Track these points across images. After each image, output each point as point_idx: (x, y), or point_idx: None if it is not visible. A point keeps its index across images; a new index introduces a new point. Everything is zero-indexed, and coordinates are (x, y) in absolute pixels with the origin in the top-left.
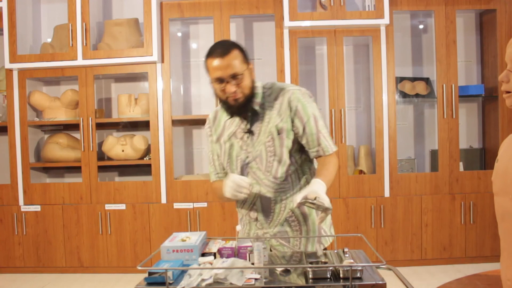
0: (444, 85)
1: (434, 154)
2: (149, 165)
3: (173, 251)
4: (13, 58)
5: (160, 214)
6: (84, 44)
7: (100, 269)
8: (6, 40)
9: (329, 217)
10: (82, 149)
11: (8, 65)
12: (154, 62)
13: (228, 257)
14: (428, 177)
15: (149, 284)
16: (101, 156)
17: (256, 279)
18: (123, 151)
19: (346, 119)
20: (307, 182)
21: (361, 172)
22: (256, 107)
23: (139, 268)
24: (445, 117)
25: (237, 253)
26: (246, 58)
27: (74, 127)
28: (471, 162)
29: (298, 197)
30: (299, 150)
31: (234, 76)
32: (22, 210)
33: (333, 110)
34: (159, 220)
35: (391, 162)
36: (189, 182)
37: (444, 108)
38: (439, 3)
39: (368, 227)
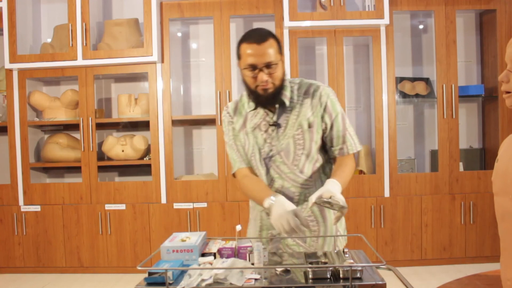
0: (444, 85)
1: (434, 154)
2: (149, 165)
3: (173, 251)
4: (13, 58)
5: (160, 214)
6: (84, 44)
7: (100, 269)
8: (6, 40)
9: (343, 219)
10: (82, 149)
11: (8, 65)
12: (154, 62)
13: (228, 257)
14: (428, 177)
15: (149, 284)
16: (101, 156)
17: (256, 279)
18: (123, 151)
19: None
20: None
21: (361, 172)
22: (285, 100)
23: (139, 268)
24: (445, 117)
25: (237, 253)
26: (280, 49)
27: (74, 127)
28: (471, 162)
29: (313, 197)
30: (323, 149)
31: (268, 65)
32: (22, 210)
33: None
34: (159, 220)
35: (391, 162)
36: (189, 182)
37: (444, 108)
38: (439, 3)
39: (368, 227)
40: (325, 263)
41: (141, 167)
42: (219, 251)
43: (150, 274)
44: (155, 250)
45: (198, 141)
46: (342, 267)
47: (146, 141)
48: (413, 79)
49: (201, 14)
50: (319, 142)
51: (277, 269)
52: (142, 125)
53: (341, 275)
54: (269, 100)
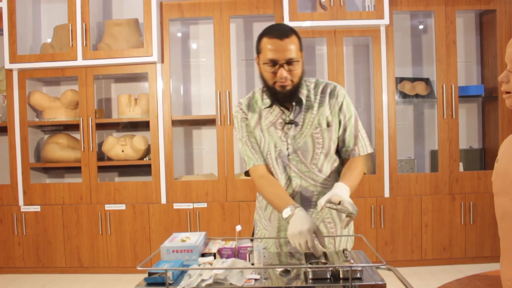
0: (444, 85)
1: (434, 154)
2: (149, 166)
3: (173, 251)
4: (13, 58)
5: (160, 214)
6: (84, 44)
7: (100, 269)
8: (6, 40)
9: (351, 223)
10: (82, 149)
11: (8, 65)
12: (154, 62)
13: (228, 257)
14: (428, 177)
15: (149, 284)
16: (101, 156)
17: (256, 279)
18: (123, 151)
19: None
20: None
21: None
22: (302, 98)
23: (139, 268)
24: (445, 117)
25: (237, 253)
26: (301, 46)
27: (74, 127)
28: (471, 162)
29: (322, 200)
30: (336, 149)
31: (289, 61)
32: (22, 210)
33: None
34: (159, 220)
35: (391, 163)
36: (189, 183)
37: (444, 109)
38: (439, 4)
39: (368, 228)
40: (325, 263)
41: (141, 167)
42: (219, 251)
43: (150, 274)
44: (155, 250)
45: (198, 141)
46: (342, 267)
47: (146, 141)
48: (413, 79)
49: (201, 14)
50: (336, 141)
51: (277, 269)
52: (142, 125)
53: (341, 276)
54: (286, 97)
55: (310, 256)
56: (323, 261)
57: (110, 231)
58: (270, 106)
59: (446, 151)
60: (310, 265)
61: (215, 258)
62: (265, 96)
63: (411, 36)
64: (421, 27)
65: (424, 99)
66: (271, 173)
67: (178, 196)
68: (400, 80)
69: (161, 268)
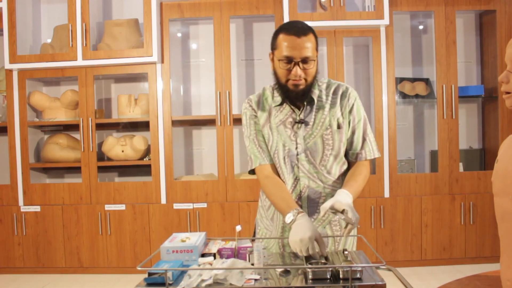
0: (444, 85)
1: (434, 154)
2: (149, 166)
3: (173, 251)
4: (13, 59)
5: (160, 214)
6: (84, 45)
7: (100, 270)
8: (6, 40)
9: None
10: (82, 150)
11: (8, 66)
12: (154, 63)
13: (228, 257)
14: (428, 177)
15: (149, 284)
16: (101, 156)
17: (255, 279)
18: (123, 151)
19: None
20: None
21: None
22: (314, 97)
23: (139, 268)
24: (445, 117)
25: (236, 253)
26: (317, 46)
27: (74, 127)
28: (471, 162)
29: (326, 205)
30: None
31: (304, 60)
32: (22, 210)
33: None
34: (159, 220)
35: (391, 163)
36: (189, 183)
37: (444, 109)
38: (439, 4)
39: (368, 228)
40: (325, 263)
41: (141, 168)
42: (219, 251)
43: (150, 274)
44: (155, 251)
45: (198, 141)
46: (342, 268)
47: (146, 142)
48: (413, 80)
49: (201, 15)
50: (346, 143)
51: (277, 269)
52: (142, 126)
53: (341, 276)
54: (298, 96)
55: (310, 256)
56: (323, 261)
57: (110, 231)
58: (281, 104)
59: (446, 151)
60: (310, 265)
61: (215, 258)
62: (275, 94)
63: (411, 36)
64: (421, 27)
65: (424, 99)
66: (277, 173)
67: (178, 196)
68: (400, 80)
69: (161, 268)
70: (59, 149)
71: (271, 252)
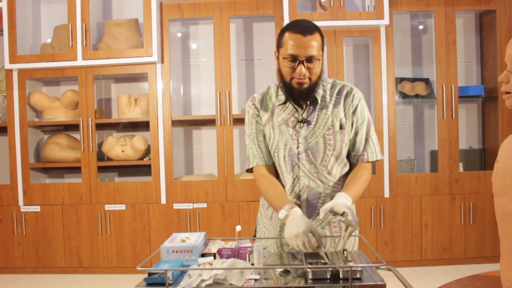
0: (444, 85)
1: (434, 154)
2: (149, 166)
3: (173, 251)
4: (13, 59)
5: (160, 214)
6: (84, 45)
7: (100, 270)
8: (6, 40)
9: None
10: (82, 150)
11: (8, 66)
12: (154, 63)
13: (227, 257)
14: (428, 177)
15: (148, 284)
16: (101, 156)
17: (255, 279)
18: (123, 151)
19: None
20: None
21: None
22: (318, 97)
23: (139, 268)
24: (445, 117)
25: (236, 253)
26: (323, 45)
27: (74, 127)
28: (471, 162)
29: (327, 206)
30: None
31: (309, 59)
32: (21, 210)
33: None
34: (159, 220)
35: (391, 163)
36: (189, 183)
37: (444, 109)
38: (439, 4)
39: (368, 228)
40: (325, 263)
41: (141, 168)
42: (219, 251)
43: (150, 274)
44: (155, 251)
45: (198, 141)
46: (342, 268)
47: (146, 142)
48: (413, 80)
49: (201, 15)
50: (348, 144)
51: (277, 269)
52: (142, 126)
53: (341, 276)
54: (302, 95)
55: (310, 256)
56: (323, 261)
57: (110, 231)
58: (284, 103)
59: (446, 151)
60: (310, 265)
61: (215, 258)
62: (280, 92)
63: (411, 36)
64: (421, 27)
65: (424, 100)
66: (274, 174)
67: (178, 196)
68: (400, 80)
69: (161, 268)
70: (59, 149)
71: (269, 251)
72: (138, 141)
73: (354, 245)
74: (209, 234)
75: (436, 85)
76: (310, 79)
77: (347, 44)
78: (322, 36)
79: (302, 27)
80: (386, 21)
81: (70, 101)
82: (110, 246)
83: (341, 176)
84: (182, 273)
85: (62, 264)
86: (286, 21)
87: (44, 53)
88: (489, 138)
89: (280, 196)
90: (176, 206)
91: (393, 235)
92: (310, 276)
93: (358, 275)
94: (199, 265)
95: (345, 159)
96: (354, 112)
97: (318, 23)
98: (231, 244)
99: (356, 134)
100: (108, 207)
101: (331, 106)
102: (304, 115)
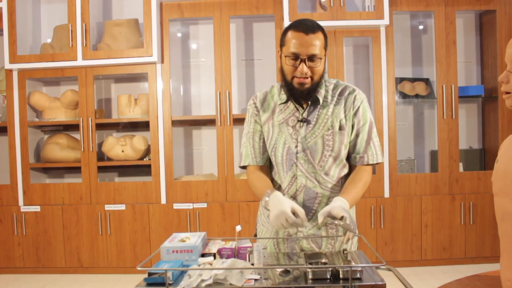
0: (444, 85)
1: (434, 154)
2: (149, 166)
3: (173, 251)
4: (13, 59)
5: (160, 214)
6: (84, 45)
7: (100, 270)
8: (6, 40)
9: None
10: (82, 150)
11: (8, 66)
12: (154, 63)
13: (227, 257)
14: (428, 177)
15: (148, 284)
16: (101, 156)
17: (255, 279)
18: (123, 151)
19: None
20: None
21: None
22: (319, 97)
23: (139, 268)
24: (445, 117)
25: (236, 253)
26: (326, 45)
27: (74, 127)
28: (471, 162)
29: (324, 211)
30: (347, 156)
31: (311, 58)
32: (21, 210)
33: None
34: (159, 220)
35: (391, 163)
36: (189, 183)
37: (444, 109)
38: (439, 4)
39: (368, 228)
40: (325, 263)
41: (141, 168)
42: (219, 251)
43: (150, 274)
44: (155, 251)
45: (198, 141)
46: (342, 268)
47: (146, 142)
48: (413, 80)
49: (201, 15)
50: (348, 146)
51: (277, 269)
52: (142, 126)
53: (341, 276)
54: (303, 95)
55: (310, 256)
56: (323, 261)
57: (110, 231)
58: (286, 102)
59: (446, 151)
60: (310, 265)
61: (215, 258)
62: (282, 92)
63: (411, 36)
64: (421, 27)
65: (424, 100)
66: (266, 173)
67: (178, 196)
68: (400, 80)
69: (161, 268)
70: (59, 149)
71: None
72: (138, 141)
73: (351, 245)
74: (209, 234)
75: (436, 85)
76: (312, 78)
77: (347, 44)
78: (325, 36)
79: (305, 26)
80: (386, 21)
81: (70, 101)
82: (110, 246)
83: (340, 178)
84: (182, 273)
85: (62, 264)
86: (286, 21)
87: (44, 53)
88: (489, 138)
89: (266, 186)
90: (176, 206)
91: (393, 235)
92: (310, 276)
93: (358, 275)
94: (199, 265)
95: (344, 161)
96: (355, 114)
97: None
98: (231, 244)
99: (357, 135)
100: (108, 207)
101: (331, 106)
102: (305, 115)
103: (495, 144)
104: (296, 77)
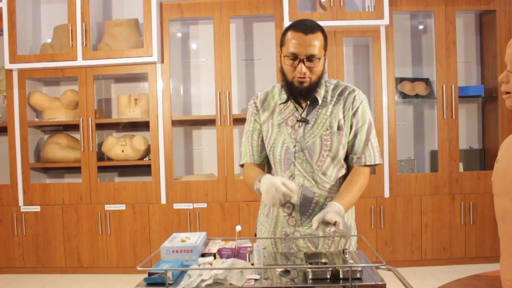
0: (444, 85)
1: (434, 154)
2: (149, 166)
3: (173, 251)
4: (13, 59)
5: (160, 214)
6: (84, 45)
7: (100, 270)
8: (6, 40)
9: (353, 225)
10: (82, 150)
11: (8, 66)
12: (154, 63)
13: (227, 257)
14: (428, 177)
15: (148, 284)
16: (101, 156)
17: (255, 279)
18: (123, 151)
19: None
20: None
21: None
22: (318, 97)
23: (139, 268)
24: (445, 117)
25: (236, 253)
26: (326, 45)
27: (74, 127)
28: (471, 162)
29: (318, 217)
30: (346, 157)
31: (310, 58)
32: (22, 210)
33: None
34: (159, 220)
35: (391, 163)
36: (189, 183)
37: (444, 109)
38: (439, 4)
39: (368, 228)
40: (325, 263)
41: (141, 168)
42: (219, 251)
43: (150, 274)
44: (155, 251)
45: (198, 141)
46: (342, 268)
47: (146, 142)
48: (413, 80)
49: (201, 15)
50: (346, 146)
51: (277, 269)
52: (142, 126)
53: (341, 276)
54: (302, 94)
55: (310, 256)
56: (323, 261)
57: (110, 231)
58: (286, 101)
59: (446, 151)
60: (310, 265)
61: (215, 258)
62: (283, 92)
63: (411, 36)
64: (421, 27)
65: (424, 100)
66: (262, 171)
67: (178, 196)
68: (400, 80)
69: (161, 268)
70: (59, 149)
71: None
72: (138, 141)
73: (350, 245)
74: (209, 234)
75: (436, 85)
76: (310, 78)
77: (347, 44)
78: (325, 36)
79: (304, 26)
80: (386, 21)
81: (70, 101)
82: (110, 246)
83: (337, 179)
84: (182, 273)
85: (62, 264)
86: (286, 21)
87: (44, 53)
88: (489, 138)
89: (259, 174)
90: (176, 206)
91: (393, 235)
92: (310, 276)
93: (358, 275)
94: (199, 265)
95: (342, 161)
96: (354, 114)
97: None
98: (231, 244)
99: (355, 136)
100: (108, 207)
101: (330, 106)
102: (304, 115)
103: (495, 144)
104: (296, 76)
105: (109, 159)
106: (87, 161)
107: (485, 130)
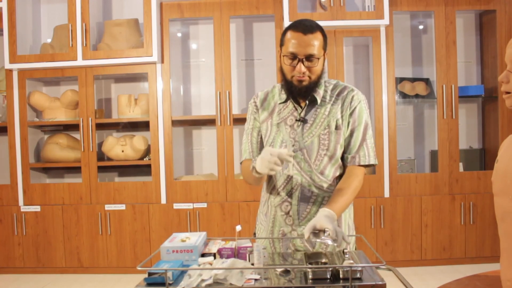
0: (444, 85)
1: (434, 154)
2: (149, 166)
3: (173, 251)
4: (13, 58)
5: (160, 214)
6: (84, 45)
7: (100, 270)
8: (6, 40)
9: (352, 225)
10: (82, 150)
11: (8, 65)
12: (154, 63)
13: (227, 257)
14: (428, 177)
15: (149, 284)
16: (101, 156)
17: (255, 279)
18: (123, 151)
19: None
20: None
21: None
22: (317, 97)
23: (139, 268)
24: (445, 117)
25: (236, 253)
26: (325, 45)
27: (74, 127)
28: (471, 162)
29: (309, 227)
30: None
31: (309, 57)
32: (22, 210)
33: None
34: (159, 220)
35: (391, 163)
36: (189, 183)
37: (444, 109)
38: (439, 4)
39: (368, 228)
40: (325, 263)
41: (141, 168)
42: (219, 251)
43: (150, 274)
44: (155, 251)
45: (198, 141)
46: (342, 268)
47: (146, 142)
48: (413, 80)
49: (201, 15)
50: (343, 146)
51: (277, 269)
52: (142, 126)
53: (341, 276)
54: (301, 93)
55: (310, 256)
56: (323, 261)
57: (110, 231)
58: (285, 101)
59: (446, 151)
60: (310, 265)
61: (215, 258)
62: (283, 91)
63: (411, 36)
64: (421, 27)
65: (424, 99)
66: None
67: (178, 196)
68: (400, 80)
69: (161, 268)
70: (59, 149)
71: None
72: (138, 141)
73: (348, 246)
74: (209, 234)
75: (436, 85)
76: (309, 77)
77: (347, 44)
78: (324, 36)
79: (304, 26)
80: (386, 21)
81: (70, 101)
82: (110, 246)
83: (335, 178)
84: (182, 273)
85: (62, 264)
86: (286, 21)
87: (44, 53)
88: (489, 138)
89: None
90: (176, 206)
91: (393, 235)
92: (310, 276)
93: (358, 275)
94: (199, 265)
95: (340, 161)
96: (351, 114)
97: (318, 23)
98: (231, 244)
99: (351, 135)
100: (108, 207)
101: (329, 106)
102: (303, 114)
103: (495, 144)
104: (295, 76)
105: (109, 159)
106: (87, 161)
107: (485, 130)
